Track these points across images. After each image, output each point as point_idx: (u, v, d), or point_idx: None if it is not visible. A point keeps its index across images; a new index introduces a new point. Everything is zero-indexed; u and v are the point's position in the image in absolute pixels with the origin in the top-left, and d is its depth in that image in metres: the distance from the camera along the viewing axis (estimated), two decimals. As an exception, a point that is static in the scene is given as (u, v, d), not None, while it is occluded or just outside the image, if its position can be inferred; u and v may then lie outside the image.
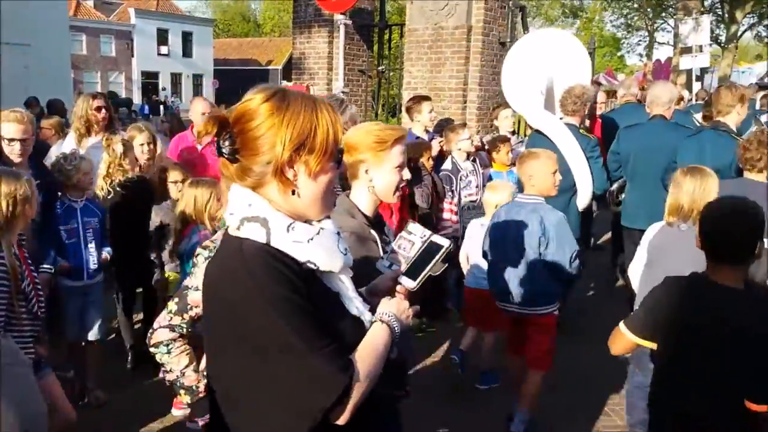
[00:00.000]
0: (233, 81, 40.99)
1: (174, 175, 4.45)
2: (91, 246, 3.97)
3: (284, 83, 21.85)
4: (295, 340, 1.32)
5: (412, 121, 5.62)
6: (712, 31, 20.70)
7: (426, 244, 1.72)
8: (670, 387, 2.35)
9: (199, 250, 2.62)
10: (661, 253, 3.23)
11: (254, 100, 1.42)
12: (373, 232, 2.16)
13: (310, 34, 9.16)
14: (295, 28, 9.46)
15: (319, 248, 1.43)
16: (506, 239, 3.67)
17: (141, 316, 4.92)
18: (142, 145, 4.61)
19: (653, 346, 2.39)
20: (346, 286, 1.52)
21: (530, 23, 28.60)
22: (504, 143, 5.59)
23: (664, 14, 25.53)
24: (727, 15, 21.82)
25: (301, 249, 1.41)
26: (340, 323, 1.46)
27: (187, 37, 47.50)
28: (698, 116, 7.15)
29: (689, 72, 12.94)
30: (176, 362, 2.45)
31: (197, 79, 48.08)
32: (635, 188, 5.11)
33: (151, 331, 2.50)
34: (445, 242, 1.71)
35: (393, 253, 1.76)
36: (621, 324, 2.47)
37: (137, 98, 41.53)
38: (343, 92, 8.49)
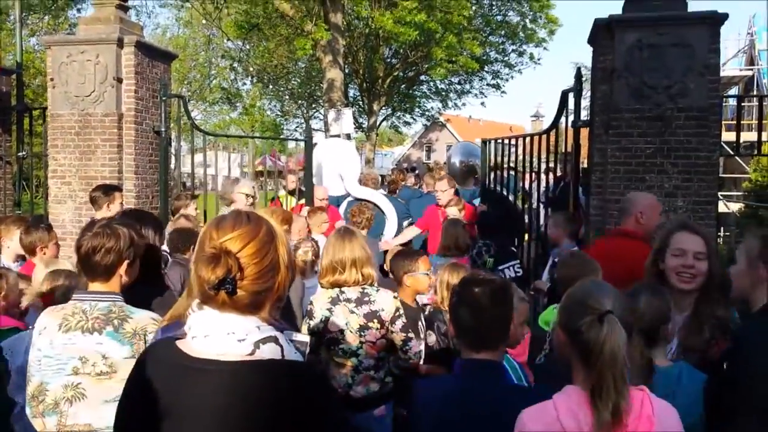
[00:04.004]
0: None
1: None
2: None
3: None
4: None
5: (100, 210, 5.47)
6: (356, 120, 23.74)
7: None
8: None
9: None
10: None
11: (244, 234, 1.43)
12: None
13: (-74, 115, 7.93)
14: None
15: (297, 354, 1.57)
16: None
17: None
18: None
19: None
20: None
21: (193, 107, 29.17)
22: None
23: (314, 104, 28.42)
24: (367, 107, 25.28)
25: (298, 357, 1.55)
26: None
27: None
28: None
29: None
30: None
31: None
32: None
33: None
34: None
35: None
36: None
37: None
38: (-27, 181, 7.51)
